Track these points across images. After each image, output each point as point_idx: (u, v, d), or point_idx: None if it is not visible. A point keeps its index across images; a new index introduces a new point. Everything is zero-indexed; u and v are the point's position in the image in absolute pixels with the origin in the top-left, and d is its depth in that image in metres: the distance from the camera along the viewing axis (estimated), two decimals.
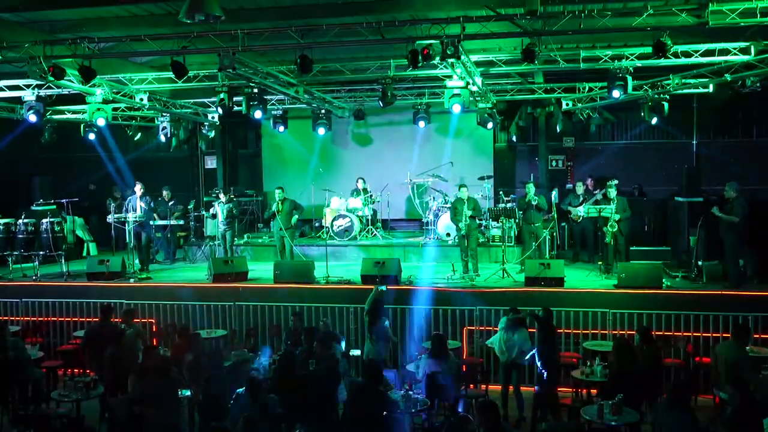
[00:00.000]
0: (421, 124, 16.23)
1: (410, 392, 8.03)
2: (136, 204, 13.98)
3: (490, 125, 15.54)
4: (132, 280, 12.90)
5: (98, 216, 15.94)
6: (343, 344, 10.01)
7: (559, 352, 9.75)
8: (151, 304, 12.04)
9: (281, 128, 16.60)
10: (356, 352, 10.08)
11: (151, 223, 14.33)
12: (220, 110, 12.95)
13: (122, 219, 13.54)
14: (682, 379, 9.57)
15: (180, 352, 9.13)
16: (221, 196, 14.45)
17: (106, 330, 9.74)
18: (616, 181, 12.79)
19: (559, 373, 9.31)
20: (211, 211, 14.50)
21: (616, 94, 11.61)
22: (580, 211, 13.44)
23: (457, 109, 12.31)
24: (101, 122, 13.29)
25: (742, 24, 9.09)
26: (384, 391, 7.62)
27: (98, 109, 12.94)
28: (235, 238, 14.86)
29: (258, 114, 13.45)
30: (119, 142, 18.65)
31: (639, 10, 9.23)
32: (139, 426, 7.17)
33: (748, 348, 8.82)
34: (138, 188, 14.22)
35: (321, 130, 16.66)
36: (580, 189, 14.37)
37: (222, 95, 12.72)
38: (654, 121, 13.93)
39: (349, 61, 13.29)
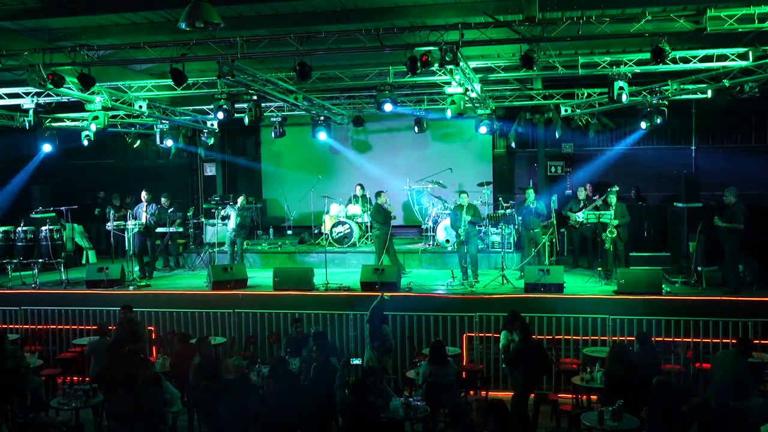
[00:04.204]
0: (420, 130, 16.28)
1: (410, 399, 8.00)
2: (142, 212, 13.98)
3: (488, 131, 15.52)
4: (131, 287, 12.88)
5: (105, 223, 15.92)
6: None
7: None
8: (150, 312, 12.01)
9: (280, 135, 16.60)
10: (356, 361, 10.04)
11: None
12: (220, 115, 12.60)
13: (122, 227, 13.53)
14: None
15: (181, 359, 9.10)
16: (238, 200, 14.43)
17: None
18: (617, 188, 12.79)
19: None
20: (224, 213, 14.43)
21: (614, 100, 11.62)
22: (580, 216, 13.44)
23: (455, 115, 12.32)
24: (93, 127, 13.20)
25: (740, 30, 9.11)
26: (375, 402, 7.54)
27: (95, 117, 12.91)
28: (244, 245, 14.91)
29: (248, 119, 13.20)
30: (118, 149, 18.66)
31: (637, 16, 9.24)
32: None
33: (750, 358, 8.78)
34: (144, 196, 14.23)
35: (320, 137, 16.68)
36: (580, 195, 14.37)
37: (222, 102, 12.49)
38: (644, 125, 13.96)
39: (347, 68, 13.30)
